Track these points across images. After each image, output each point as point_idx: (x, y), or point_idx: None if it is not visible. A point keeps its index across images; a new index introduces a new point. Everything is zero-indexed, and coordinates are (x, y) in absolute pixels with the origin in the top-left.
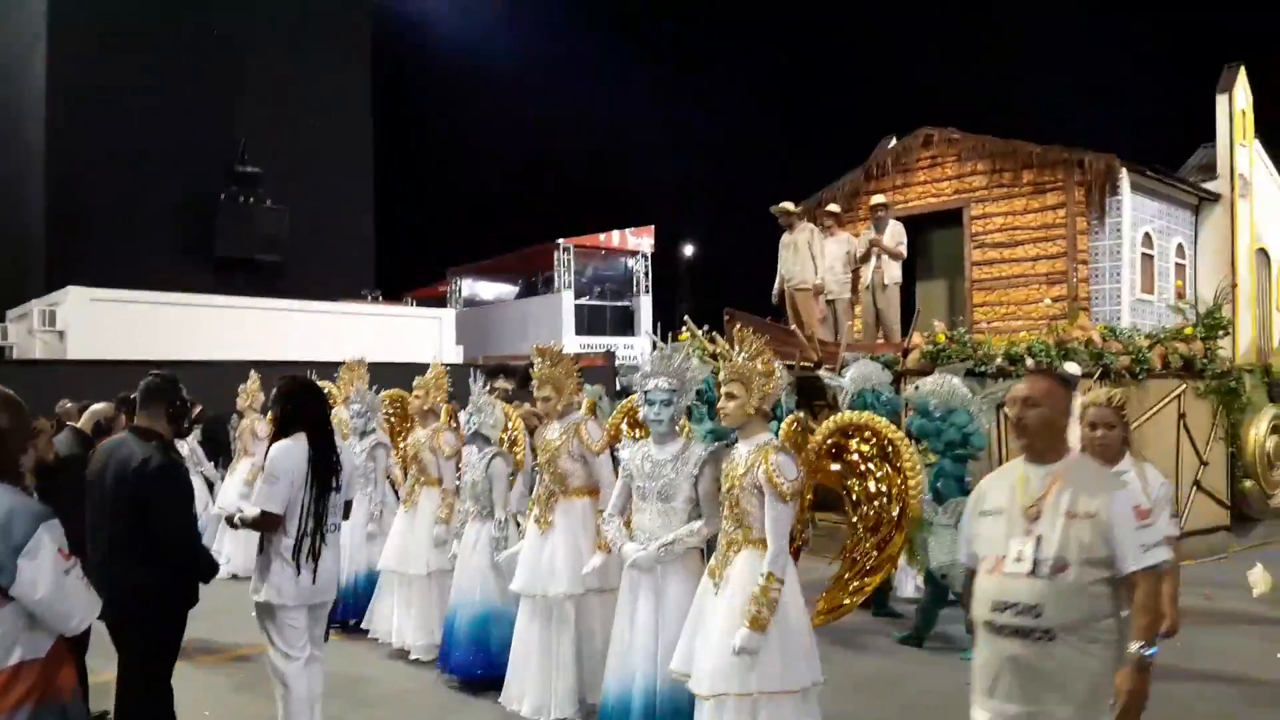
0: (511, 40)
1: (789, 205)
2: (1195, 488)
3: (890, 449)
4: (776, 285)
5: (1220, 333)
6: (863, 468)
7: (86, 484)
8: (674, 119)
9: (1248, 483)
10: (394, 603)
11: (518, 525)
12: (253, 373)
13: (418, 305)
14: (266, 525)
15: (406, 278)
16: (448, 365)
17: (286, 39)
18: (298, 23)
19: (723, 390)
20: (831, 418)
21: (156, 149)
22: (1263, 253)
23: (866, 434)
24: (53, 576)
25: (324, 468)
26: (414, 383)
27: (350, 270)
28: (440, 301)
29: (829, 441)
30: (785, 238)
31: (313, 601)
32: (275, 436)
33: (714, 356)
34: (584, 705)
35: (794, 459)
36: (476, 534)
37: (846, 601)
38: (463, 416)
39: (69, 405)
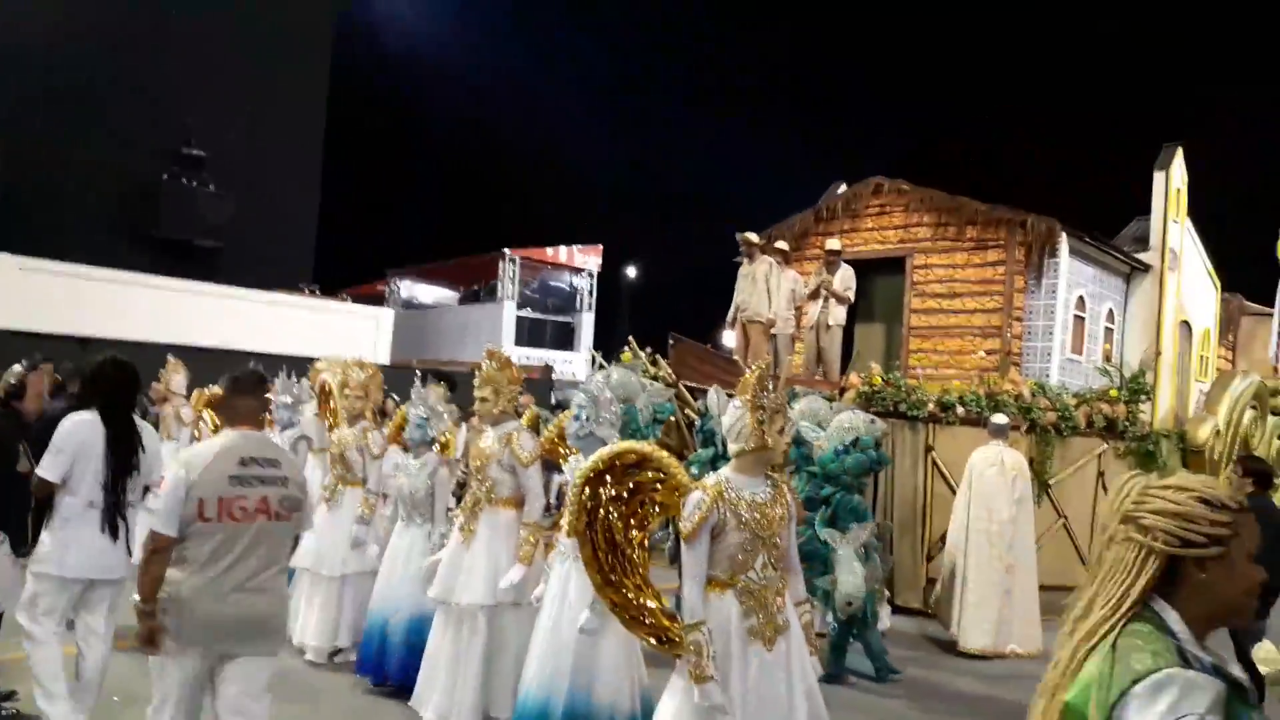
0: (470, 49)
1: (752, 236)
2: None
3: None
4: (731, 313)
5: (1143, 397)
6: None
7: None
8: (626, 144)
9: None
10: (300, 600)
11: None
12: (170, 357)
13: (354, 303)
14: (40, 491)
15: (345, 274)
16: (380, 366)
17: (244, 27)
18: (256, 12)
19: (784, 429)
20: (609, 445)
21: (102, 123)
22: (1185, 324)
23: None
24: None
25: (121, 446)
26: (341, 380)
27: (289, 262)
28: (377, 300)
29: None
30: (744, 268)
31: (95, 577)
32: (73, 410)
33: (654, 379)
34: (487, 719)
35: None
36: (411, 541)
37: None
38: (411, 418)
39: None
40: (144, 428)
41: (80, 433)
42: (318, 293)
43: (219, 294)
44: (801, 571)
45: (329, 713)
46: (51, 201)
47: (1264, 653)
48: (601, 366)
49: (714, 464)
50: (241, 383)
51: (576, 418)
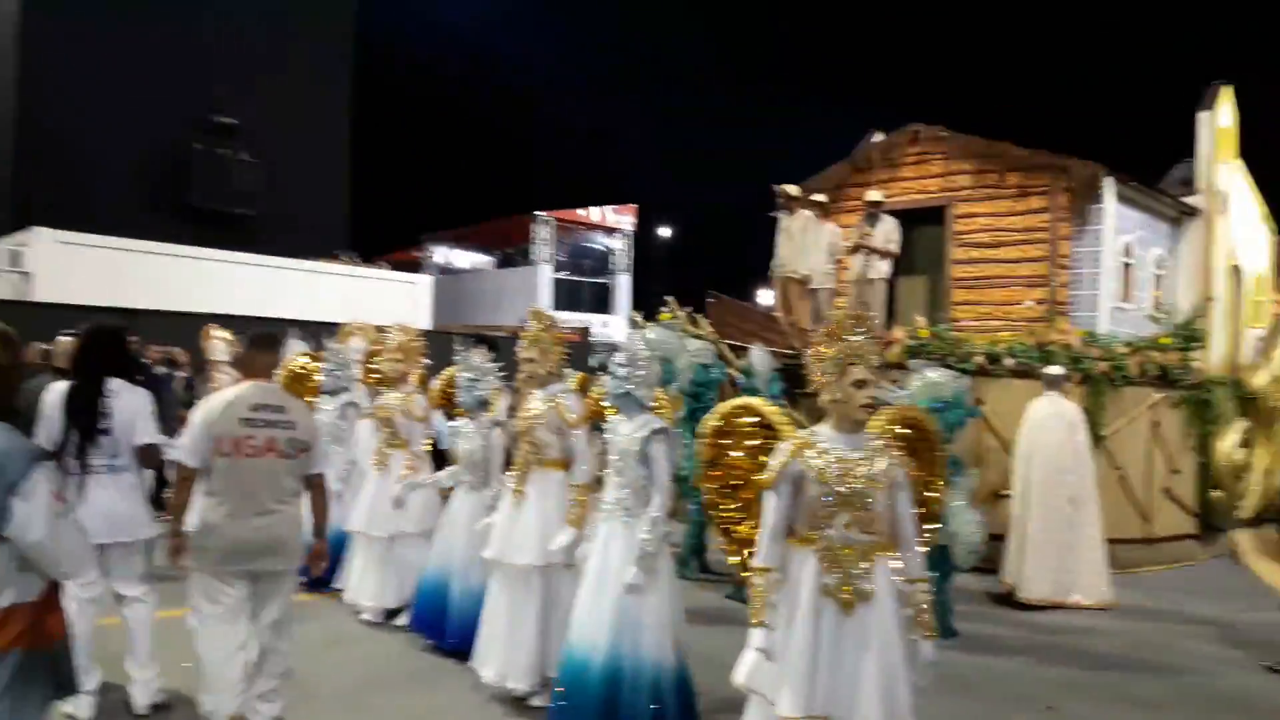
0: (497, 11)
1: (791, 189)
2: (1166, 495)
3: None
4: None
5: (1195, 344)
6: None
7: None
8: (659, 102)
9: (1216, 493)
10: (354, 562)
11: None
12: (213, 328)
13: (391, 269)
14: None
15: (380, 241)
16: (421, 332)
17: None
18: None
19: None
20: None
21: (133, 94)
22: (1236, 269)
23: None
24: (47, 519)
25: (78, 409)
26: (382, 344)
27: (323, 229)
28: (414, 267)
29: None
30: (782, 222)
31: (98, 541)
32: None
33: (696, 338)
34: (545, 679)
35: None
36: (472, 504)
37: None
38: (460, 383)
39: (40, 347)
40: (127, 392)
41: (50, 400)
42: (357, 260)
43: (256, 263)
44: (916, 548)
45: (389, 674)
46: (83, 173)
47: None
48: (639, 326)
49: None
50: (258, 340)
51: (614, 376)
